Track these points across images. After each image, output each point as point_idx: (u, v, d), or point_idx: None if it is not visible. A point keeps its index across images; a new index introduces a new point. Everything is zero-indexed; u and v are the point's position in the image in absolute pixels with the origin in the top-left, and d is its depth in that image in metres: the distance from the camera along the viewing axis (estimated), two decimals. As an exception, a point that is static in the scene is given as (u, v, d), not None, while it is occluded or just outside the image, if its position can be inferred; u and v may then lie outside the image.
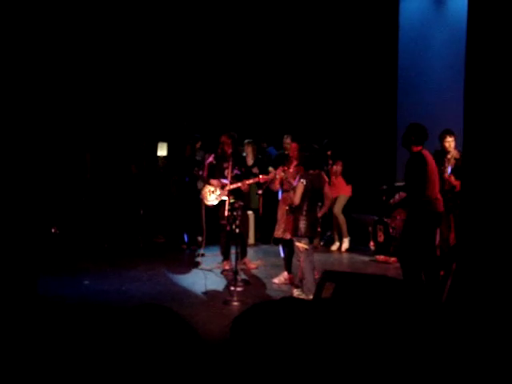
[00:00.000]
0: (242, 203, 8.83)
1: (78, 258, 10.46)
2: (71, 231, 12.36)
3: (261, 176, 9.55)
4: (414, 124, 7.46)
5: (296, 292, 8.05)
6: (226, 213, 8.82)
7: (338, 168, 11.44)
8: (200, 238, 12.19)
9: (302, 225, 7.93)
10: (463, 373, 2.73)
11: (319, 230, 11.45)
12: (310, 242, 8.07)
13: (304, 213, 7.95)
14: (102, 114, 13.07)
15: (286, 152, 11.53)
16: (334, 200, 11.65)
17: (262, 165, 11.51)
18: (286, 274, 8.78)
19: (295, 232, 8.01)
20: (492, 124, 5.70)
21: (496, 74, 5.66)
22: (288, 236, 8.32)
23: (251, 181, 9.42)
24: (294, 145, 8.96)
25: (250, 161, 11.33)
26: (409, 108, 12.23)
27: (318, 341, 1.74)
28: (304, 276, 7.94)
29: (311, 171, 8.08)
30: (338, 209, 11.61)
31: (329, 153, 11.51)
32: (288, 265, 8.75)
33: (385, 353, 2.32)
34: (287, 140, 11.71)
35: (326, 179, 8.52)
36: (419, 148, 7.29)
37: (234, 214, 8.47)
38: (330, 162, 11.54)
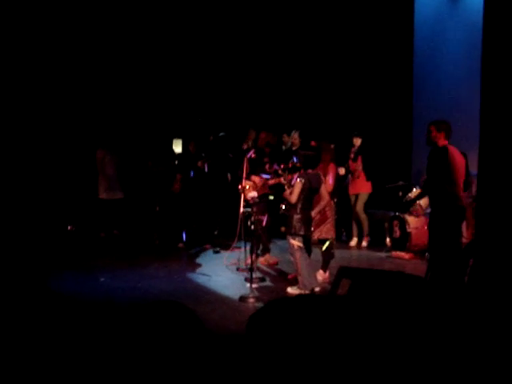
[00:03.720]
0: (257, 199, 8.84)
1: (94, 255, 10.51)
2: (87, 228, 12.45)
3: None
4: (438, 120, 7.45)
5: (291, 289, 8.07)
6: (241, 209, 8.83)
7: (358, 165, 11.44)
8: (216, 233, 12.29)
9: (297, 223, 7.94)
10: (477, 371, 2.71)
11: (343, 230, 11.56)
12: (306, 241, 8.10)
13: (298, 211, 7.96)
14: (119, 112, 13.13)
15: (294, 147, 11.52)
16: (355, 198, 11.66)
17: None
18: (321, 271, 8.77)
19: (289, 229, 8.03)
20: (509, 120, 5.66)
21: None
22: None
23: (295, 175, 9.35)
24: (313, 143, 9.09)
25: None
26: (424, 105, 12.16)
27: (333, 337, 1.73)
28: (300, 273, 7.96)
29: (309, 171, 8.08)
30: (359, 207, 11.63)
31: (356, 145, 11.52)
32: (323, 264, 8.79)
33: (400, 349, 2.30)
34: (295, 135, 11.67)
35: (324, 179, 8.50)
36: (445, 142, 7.26)
37: (249, 210, 8.49)
38: (352, 156, 11.53)
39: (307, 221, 8.06)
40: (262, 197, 9.34)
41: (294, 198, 7.94)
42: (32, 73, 12.34)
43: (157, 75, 13.51)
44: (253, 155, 9.71)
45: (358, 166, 11.48)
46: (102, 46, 12.97)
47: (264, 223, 9.36)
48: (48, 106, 12.60)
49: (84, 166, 12.55)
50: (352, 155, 11.55)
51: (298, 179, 7.97)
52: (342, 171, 11.38)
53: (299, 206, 7.97)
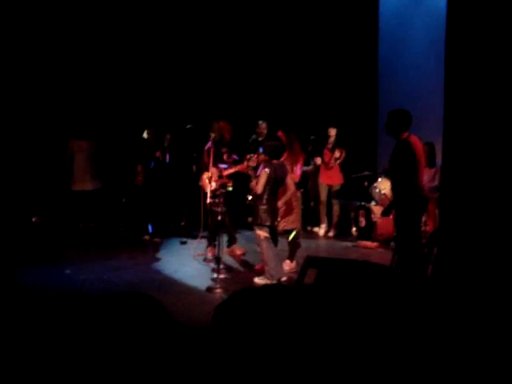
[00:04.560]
0: (224, 190, 8.82)
1: (60, 248, 10.41)
2: (53, 220, 12.29)
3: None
4: (397, 110, 7.41)
5: (257, 279, 8.10)
6: (208, 200, 8.81)
7: (338, 154, 11.50)
8: (183, 223, 12.24)
9: (263, 213, 7.96)
10: (448, 358, 2.74)
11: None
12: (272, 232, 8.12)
13: (264, 201, 7.97)
14: (92, 102, 12.98)
15: (260, 138, 11.53)
16: (328, 188, 11.72)
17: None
18: (287, 261, 8.78)
19: (256, 220, 8.05)
20: (472, 108, 5.72)
21: (476, 58, 5.67)
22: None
23: (251, 163, 9.26)
24: (280, 133, 9.11)
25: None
26: (390, 95, 12.24)
27: (300, 327, 1.73)
28: (266, 263, 8.00)
29: (275, 161, 8.09)
30: (334, 198, 11.71)
31: (331, 135, 11.57)
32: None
33: (369, 337, 2.32)
34: (263, 125, 11.68)
35: (289, 170, 8.52)
36: (405, 135, 7.26)
37: (216, 200, 8.47)
38: (329, 147, 11.56)
39: (273, 211, 8.07)
40: (221, 187, 9.26)
41: (259, 188, 7.94)
42: (9, 60, 12.15)
43: (128, 65, 13.38)
44: (211, 146, 9.68)
45: (337, 156, 11.52)
46: (77, 35, 12.79)
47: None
48: (18, 93, 12.40)
49: (54, 157, 12.34)
50: (330, 146, 11.59)
51: (264, 169, 7.97)
52: (318, 161, 11.46)
53: (265, 196, 7.97)
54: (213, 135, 9.79)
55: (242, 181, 9.66)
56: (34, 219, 12.54)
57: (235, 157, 9.43)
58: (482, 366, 2.78)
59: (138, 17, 13.26)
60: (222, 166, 9.33)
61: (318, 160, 11.49)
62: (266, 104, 13.35)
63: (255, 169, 8.50)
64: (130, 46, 13.35)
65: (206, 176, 9.46)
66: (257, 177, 8.11)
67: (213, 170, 9.42)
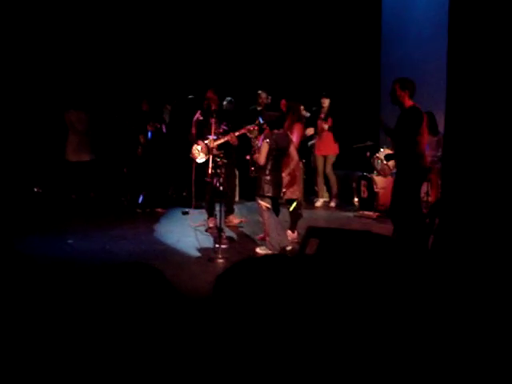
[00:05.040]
0: (225, 160, 8.78)
1: (62, 218, 10.44)
2: (55, 191, 12.30)
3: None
4: (402, 78, 7.37)
5: (259, 249, 8.12)
6: (210, 170, 8.78)
7: (324, 125, 11.45)
8: (184, 194, 12.23)
9: (265, 184, 7.94)
10: (450, 329, 2.75)
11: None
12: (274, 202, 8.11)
13: (267, 172, 7.95)
14: (89, 72, 12.90)
15: (259, 108, 11.52)
16: (323, 159, 11.71)
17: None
18: (289, 232, 8.73)
19: (258, 190, 8.04)
20: (475, 77, 5.69)
21: (479, 27, 5.63)
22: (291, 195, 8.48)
23: (237, 133, 9.20)
24: (283, 102, 9.03)
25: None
26: (392, 64, 12.15)
27: (302, 298, 1.73)
28: (268, 233, 8.01)
29: (275, 131, 8.05)
30: (329, 168, 11.71)
31: (324, 105, 11.52)
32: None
33: (371, 307, 2.32)
34: (263, 95, 11.69)
35: (292, 139, 8.47)
36: (412, 102, 7.23)
37: (218, 171, 8.45)
38: (322, 116, 11.52)
39: (277, 182, 8.04)
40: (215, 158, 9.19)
41: (262, 160, 7.92)
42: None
43: (127, 35, 13.27)
44: (200, 117, 9.62)
45: (326, 125, 11.49)
46: (71, 9, 12.70)
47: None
48: (14, 66, 12.34)
49: (53, 128, 12.32)
50: (322, 115, 11.55)
51: (265, 140, 7.94)
52: (310, 131, 11.38)
53: (268, 167, 7.95)
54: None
55: (241, 152, 9.63)
56: (35, 189, 12.57)
57: (224, 127, 9.34)
58: (481, 344, 2.79)
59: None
60: (211, 137, 9.18)
61: (310, 130, 11.35)
62: (267, 74, 13.27)
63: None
64: (128, 17, 13.23)
65: (194, 148, 9.42)
66: (258, 148, 8.09)
67: (200, 142, 9.37)
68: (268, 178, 7.95)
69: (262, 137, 8.11)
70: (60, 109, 11.98)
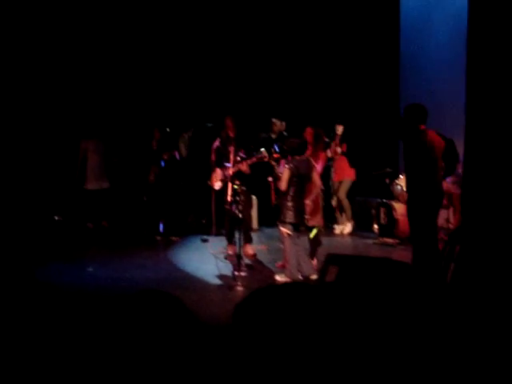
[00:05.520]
0: (244, 188, 8.81)
1: (82, 245, 10.48)
2: (75, 219, 12.41)
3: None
4: (412, 104, 7.38)
5: (278, 277, 8.09)
6: (229, 198, 8.80)
7: (337, 148, 11.45)
8: (204, 221, 12.24)
9: (287, 210, 7.92)
10: (466, 357, 2.72)
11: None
12: (296, 229, 8.07)
13: (289, 198, 7.93)
14: (104, 102, 13.04)
15: (273, 136, 11.62)
16: (338, 184, 11.69)
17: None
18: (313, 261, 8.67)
19: (280, 217, 8.02)
20: (494, 102, 5.67)
21: (498, 53, 5.62)
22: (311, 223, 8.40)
23: (249, 162, 9.25)
24: (309, 130, 9.03)
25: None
26: (411, 90, 12.14)
27: (322, 325, 1.73)
28: (288, 260, 7.97)
29: (297, 157, 8.05)
30: (342, 193, 11.65)
31: (338, 132, 11.52)
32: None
33: (389, 335, 2.31)
34: (277, 123, 11.81)
35: (315, 165, 8.47)
36: (423, 127, 7.23)
37: (237, 198, 8.46)
38: (337, 142, 11.53)
39: (298, 209, 8.00)
40: (225, 186, 9.25)
41: (283, 185, 7.92)
42: (17, 63, 12.27)
43: (145, 65, 13.40)
44: (218, 145, 9.68)
45: (339, 149, 11.48)
46: (87, 37, 12.87)
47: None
48: (34, 97, 12.51)
49: (71, 157, 12.47)
50: (337, 141, 11.55)
51: (286, 166, 7.95)
52: (329, 153, 11.44)
53: (290, 193, 7.93)
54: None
55: (262, 176, 9.65)
56: (56, 217, 12.68)
57: (242, 155, 9.37)
58: (499, 368, 2.76)
59: (150, 17, 13.25)
60: (228, 164, 9.28)
61: (329, 153, 11.37)
62: (283, 101, 13.32)
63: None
64: (144, 45, 13.36)
65: (214, 175, 9.51)
66: (280, 174, 8.10)
67: (217, 170, 9.45)
68: (290, 204, 7.92)
69: (283, 163, 8.13)
70: (78, 138, 12.15)
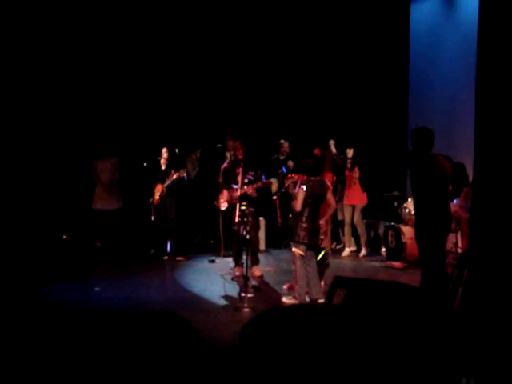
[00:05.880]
0: (252, 209, 8.81)
1: (90, 265, 10.48)
2: (83, 238, 12.43)
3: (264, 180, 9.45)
4: (419, 128, 7.37)
5: (286, 299, 8.06)
6: (237, 219, 8.81)
7: (355, 174, 11.47)
8: (211, 241, 12.24)
9: (301, 231, 7.90)
10: (475, 380, 2.70)
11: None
12: (310, 250, 8.04)
13: (304, 219, 7.91)
14: (115, 122, 13.12)
15: (282, 157, 11.75)
16: (352, 209, 11.66)
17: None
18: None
19: (293, 237, 8.00)
20: (504, 126, 5.66)
21: (508, 76, 5.63)
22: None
23: (255, 185, 9.31)
24: (328, 153, 9.07)
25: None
26: (420, 113, 12.15)
27: (328, 348, 1.72)
28: (297, 281, 7.95)
29: (312, 178, 8.05)
30: (358, 218, 11.63)
31: (349, 156, 11.54)
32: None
33: (396, 359, 2.29)
34: (285, 144, 11.95)
35: (330, 186, 8.47)
36: (431, 152, 7.22)
37: (244, 219, 8.46)
38: (349, 166, 11.54)
39: (313, 230, 7.98)
40: (232, 207, 9.29)
41: (298, 206, 7.90)
42: (29, 82, 12.38)
43: (154, 86, 13.49)
44: (227, 166, 9.72)
45: (355, 174, 11.49)
46: (97, 56, 12.98)
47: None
48: (46, 116, 12.61)
49: (81, 176, 12.55)
50: (349, 165, 11.57)
51: (301, 187, 7.94)
52: (350, 153, 11.52)
53: (305, 214, 7.91)
54: (228, 154, 9.81)
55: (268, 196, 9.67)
56: (64, 236, 12.71)
57: (250, 177, 9.39)
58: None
59: (163, 39, 13.36)
60: (235, 186, 9.31)
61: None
62: (291, 123, 13.38)
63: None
64: (156, 66, 13.46)
65: (220, 196, 9.55)
66: (295, 195, 8.09)
67: (224, 191, 9.49)
68: (304, 225, 7.90)
69: (298, 183, 8.12)
70: (87, 158, 12.22)
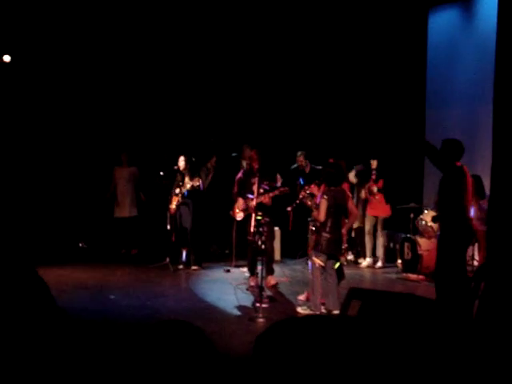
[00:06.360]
0: (267, 219, 8.80)
1: (105, 273, 10.50)
2: (98, 246, 12.51)
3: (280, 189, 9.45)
4: (451, 139, 7.39)
5: (300, 309, 8.03)
6: (252, 229, 8.80)
7: (374, 186, 11.43)
8: (227, 251, 12.22)
9: (324, 241, 7.87)
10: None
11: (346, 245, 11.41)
12: (333, 259, 8.01)
13: (328, 229, 7.87)
14: (135, 130, 13.20)
15: (300, 168, 11.84)
16: (374, 220, 11.62)
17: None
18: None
19: (316, 247, 7.97)
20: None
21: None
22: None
23: (272, 194, 9.32)
24: (343, 163, 9.06)
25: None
26: (437, 126, 12.12)
27: (343, 360, 1.71)
28: (313, 292, 7.91)
29: (333, 187, 8.02)
30: (380, 229, 11.58)
31: (373, 167, 11.51)
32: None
33: (412, 372, 2.28)
34: (300, 157, 12.04)
35: (350, 195, 8.45)
36: (459, 163, 7.21)
37: (260, 229, 8.45)
38: (373, 178, 11.50)
39: (336, 240, 7.96)
40: (247, 217, 9.31)
41: (322, 217, 7.86)
42: (50, 93, 12.53)
43: (169, 95, 13.56)
44: (241, 176, 9.73)
45: (378, 187, 11.45)
46: (120, 68, 13.08)
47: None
48: (65, 124, 12.74)
49: (98, 184, 12.64)
50: (373, 176, 11.53)
51: (323, 197, 7.91)
52: (364, 195, 11.46)
53: (328, 224, 7.88)
54: (244, 163, 9.82)
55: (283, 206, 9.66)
56: (80, 244, 12.79)
57: (265, 187, 9.39)
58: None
59: (178, 50, 13.42)
60: (250, 196, 9.34)
61: (363, 194, 11.51)
62: (314, 134, 13.40)
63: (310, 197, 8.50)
64: (175, 78, 13.52)
65: (236, 206, 9.57)
66: (317, 205, 8.06)
67: (240, 201, 9.50)
68: (328, 235, 7.86)
69: (319, 193, 8.10)
70: (106, 166, 12.32)
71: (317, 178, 8.91)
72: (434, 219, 9.45)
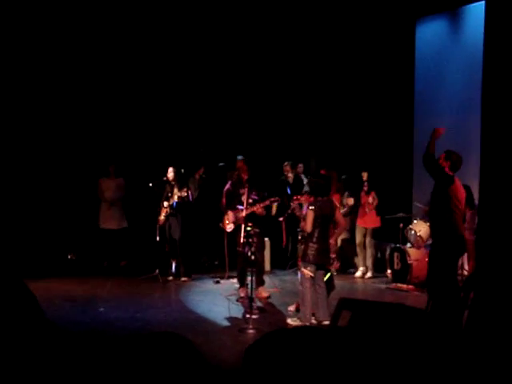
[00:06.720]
0: (257, 230, 8.80)
1: (94, 285, 10.46)
2: (87, 257, 12.46)
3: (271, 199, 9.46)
4: (452, 151, 7.45)
5: (291, 320, 8.02)
6: (242, 239, 8.80)
7: (371, 200, 11.47)
8: (216, 262, 12.20)
9: (311, 251, 7.87)
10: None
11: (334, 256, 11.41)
12: (321, 270, 8.01)
13: (315, 240, 7.88)
14: (122, 142, 13.17)
15: (288, 179, 11.91)
16: (365, 230, 11.66)
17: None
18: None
19: (304, 257, 7.97)
20: (510, 149, 5.67)
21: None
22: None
23: (262, 204, 9.32)
24: (334, 174, 9.08)
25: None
26: (426, 137, 12.14)
27: (333, 370, 1.71)
28: (303, 302, 7.90)
29: (319, 198, 8.03)
30: (370, 240, 11.63)
31: (364, 178, 11.55)
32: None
33: (402, 381, 2.28)
34: (287, 167, 12.12)
35: (338, 205, 8.47)
36: (450, 173, 7.25)
37: (250, 240, 8.44)
38: (365, 189, 11.54)
39: (323, 250, 7.96)
40: (237, 228, 9.31)
41: (308, 227, 7.87)
42: (39, 99, 12.48)
43: (157, 104, 13.55)
44: (230, 188, 9.73)
45: (371, 200, 11.48)
46: (107, 75, 13.06)
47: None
48: (52, 134, 12.69)
49: (85, 195, 12.60)
50: (365, 188, 11.57)
51: (309, 207, 7.92)
52: (350, 201, 11.47)
53: (315, 235, 7.89)
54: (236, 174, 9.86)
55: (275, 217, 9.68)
56: (69, 256, 12.73)
57: (254, 197, 9.40)
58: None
59: (168, 58, 13.42)
60: (240, 207, 9.34)
61: (350, 201, 11.53)
62: (301, 145, 13.43)
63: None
64: (164, 87, 13.52)
65: (226, 218, 9.56)
66: (304, 216, 8.07)
67: (229, 212, 9.50)
68: (315, 245, 7.87)
69: (306, 204, 8.11)
70: (93, 177, 12.29)
71: (301, 188, 8.96)
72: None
